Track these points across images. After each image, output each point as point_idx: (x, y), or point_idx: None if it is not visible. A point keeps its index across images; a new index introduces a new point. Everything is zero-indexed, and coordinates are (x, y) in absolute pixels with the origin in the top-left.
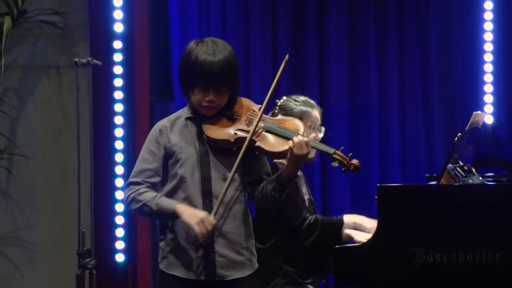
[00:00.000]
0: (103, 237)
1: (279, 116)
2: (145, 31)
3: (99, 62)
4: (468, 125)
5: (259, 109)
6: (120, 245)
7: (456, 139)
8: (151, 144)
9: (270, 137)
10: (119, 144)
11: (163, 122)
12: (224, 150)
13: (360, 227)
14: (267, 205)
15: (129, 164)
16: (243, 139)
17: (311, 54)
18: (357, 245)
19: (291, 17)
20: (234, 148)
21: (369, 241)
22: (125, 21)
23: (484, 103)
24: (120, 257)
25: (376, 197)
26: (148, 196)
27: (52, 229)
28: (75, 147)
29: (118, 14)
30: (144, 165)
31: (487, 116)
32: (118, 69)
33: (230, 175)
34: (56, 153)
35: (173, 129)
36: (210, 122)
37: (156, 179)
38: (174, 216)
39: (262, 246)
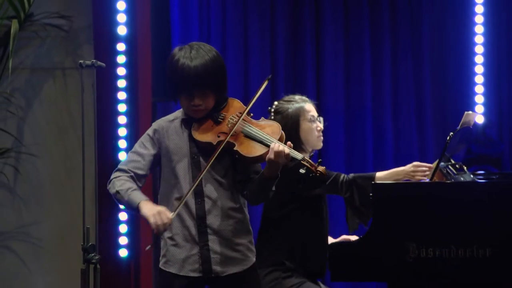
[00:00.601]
0: (107, 232)
1: (262, 120)
2: (148, 33)
3: (103, 64)
4: (460, 125)
5: (244, 110)
6: (123, 240)
7: (448, 138)
8: (146, 139)
9: (249, 142)
10: (122, 143)
11: (161, 122)
12: (208, 152)
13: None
14: (257, 203)
15: None
16: (223, 142)
17: (308, 56)
18: (353, 241)
19: (288, 19)
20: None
21: (364, 236)
22: (128, 24)
23: (475, 104)
24: (123, 252)
25: (371, 194)
26: (125, 186)
27: (58, 225)
28: (80, 146)
29: (121, 18)
30: (135, 157)
31: (478, 116)
32: (121, 71)
33: (199, 175)
34: (61, 152)
35: (169, 130)
36: (198, 124)
37: (142, 172)
38: (137, 209)
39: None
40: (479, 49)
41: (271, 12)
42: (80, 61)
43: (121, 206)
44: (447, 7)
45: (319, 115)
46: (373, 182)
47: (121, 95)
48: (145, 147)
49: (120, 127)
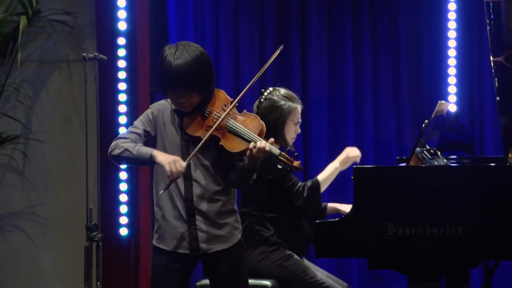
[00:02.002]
0: (108, 213)
1: (244, 114)
2: (146, 29)
3: (105, 57)
4: (434, 113)
5: (230, 103)
6: (123, 220)
7: (423, 125)
8: (145, 119)
9: (233, 137)
10: (122, 130)
11: (158, 107)
12: (197, 145)
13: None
14: (238, 188)
15: None
16: (212, 136)
17: (294, 52)
18: (335, 220)
19: (276, 18)
20: (209, 143)
21: (346, 216)
22: (128, 20)
23: (448, 94)
24: (124, 231)
25: (352, 177)
26: (130, 144)
27: (63, 205)
28: (83, 132)
29: (122, 14)
30: (134, 130)
31: (450, 105)
32: (122, 63)
33: (187, 159)
34: (66, 138)
35: (165, 115)
36: (188, 117)
37: (140, 142)
38: (150, 159)
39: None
40: (451, 43)
41: (260, 11)
42: (84, 54)
43: (122, 166)
44: (422, 5)
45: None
46: (354, 167)
47: (122, 86)
48: (144, 125)
49: (120, 115)
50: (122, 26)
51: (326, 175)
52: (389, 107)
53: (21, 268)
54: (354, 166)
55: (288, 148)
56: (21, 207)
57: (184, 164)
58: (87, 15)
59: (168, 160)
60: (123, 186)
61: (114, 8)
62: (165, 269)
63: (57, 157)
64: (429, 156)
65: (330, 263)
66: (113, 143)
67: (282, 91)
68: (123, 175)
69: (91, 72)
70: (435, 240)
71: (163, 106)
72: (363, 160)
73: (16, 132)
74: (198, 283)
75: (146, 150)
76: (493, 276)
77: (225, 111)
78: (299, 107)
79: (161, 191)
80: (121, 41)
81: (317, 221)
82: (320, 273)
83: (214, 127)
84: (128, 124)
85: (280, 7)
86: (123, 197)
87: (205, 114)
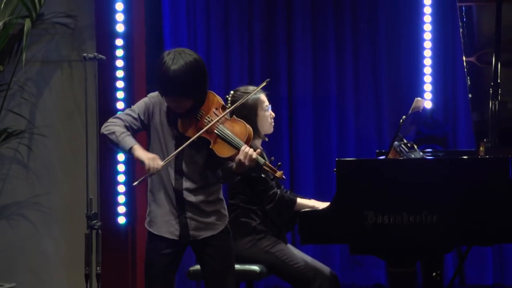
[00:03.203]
0: (107, 202)
1: (233, 120)
2: (142, 30)
3: (104, 57)
4: (411, 109)
5: (222, 107)
6: (121, 209)
7: (401, 120)
8: (142, 106)
9: (222, 143)
10: None
11: (156, 99)
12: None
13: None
14: (223, 182)
15: None
16: (203, 138)
17: (281, 54)
18: (319, 210)
19: (264, 22)
20: (200, 143)
21: (329, 206)
22: (125, 22)
23: (424, 91)
24: (121, 220)
25: (335, 169)
26: (120, 129)
27: (65, 196)
28: (84, 127)
29: (119, 17)
30: (131, 113)
31: (426, 102)
32: (119, 63)
33: (166, 159)
34: (68, 133)
35: (161, 107)
36: (182, 117)
37: (135, 127)
38: (128, 151)
39: (254, 207)
40: (427, 44)
41: (249, 15)
42: (84, 54)
43: (120, 159)
44: (400, 9)
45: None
46: (336, 159)
47: (119, 84)
48: (140, 112)
49: (118, 112)
50: (120, 28)
51: (304, 203)
52: (369, 103)
53: (26, 253)
54: (336, 159)
55: (272, 158)
56: (26, 197)
57: (162, 163)
58: (87, 18)
59: (148, 157)
60: (121, 178)
61: (112, 11)
62: (156, 253)
63: (59, 151)
64: (406, 150)
65: (315, 249)
66: (108, 121)
67: (242, 88)
68: (121, 167)
69: (91, 71)
70: (412, 227)
71: (160, 99)
72: (345, 153)
73: (21, 127)
74: (191, 268)
75: (129, 142)
76: (465, 261)
77: (217, 115)
78: (261, 95)
79: (135, 183)
80: (119, 42)
81: (302, 210)
82: (305, 259)
83: (203, 131)
84: None
85: (267, 12)
86: (121, 188)
87: (198, 117)
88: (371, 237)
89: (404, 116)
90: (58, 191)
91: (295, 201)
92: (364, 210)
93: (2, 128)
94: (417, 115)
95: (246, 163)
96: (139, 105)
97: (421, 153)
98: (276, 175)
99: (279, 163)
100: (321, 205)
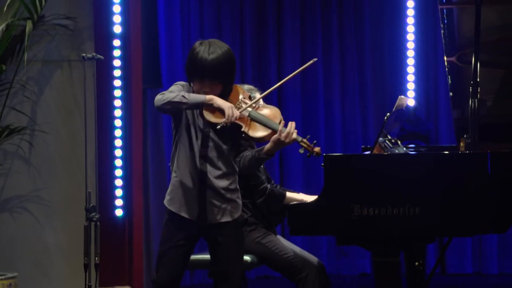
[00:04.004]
0: (105, 196)
1: (263, 105)
2: (139, 32)
3: (102, 57)
4: (395, 107)
5: (249, 97)
6: (119, 202)
7: (385, 118)
8: (178, 85)
9: (255, 125)
10: (117, 122)
11: (184, 85)
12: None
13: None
14: (245, 171)
15: (126, 138)
16: (234, 123)
17: (271, 50)
18: (308, 202)
19: (254, 20)
20: (229, 129)
21: (317, 199)
22: (122, 24)
23: (407, 90)
24: (119, 212)
25: (322, 164)
26: (181, 92)
27: (65, 189)
28: (83, 124)
29: (117, 19)
30: (175, 86)
31: (409, 100)
32: (117, 62)
33: (242, 109)
34: (68, 130)
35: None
36: (209, 106)
37: None
38: (204, 102)
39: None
40: (410, 45)
41: (240, 14)
42: (83, 54)
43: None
44: (384, 11)
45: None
46: (324, 155)
47: (117, 83)
48: (178, 90)
49: (116, 109)
50: (117, 29)
51: (294, 197)
52: (355, 102)
53: (28, 244)
54: (324, 154)
55: (308, 136)
56: (27, 191)
57: (238, 112)
58: (86, 20)
59: (228, 105)
60: (118, 172)
61: (110, 13)
62: (171, 230)
63: (59, 146)
64: (391, 145)
65: (303, 240)
66: (162, 94)
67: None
68: (118, 162)
69: (89, 71)
70: (395, 219)
71: (186, 86)
72: (332, 148)
73: (23, 124)
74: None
75: (199, 95)
76: (446, 251)
77: (244, 103)
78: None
79: (218, 126)
80: (117, 42)
81: (292, 203)
82: (294, 249)
83: (242, 109)
84: (124, 117)
85: (258, 10)
86: (119, 182)
87: None
88: (357, 229)
89: (388, 114)
90: (58, 185)
91: (284, 195)
92: (350, 203)
93: (4, 125)
94: (401, 113)
95: (287, 140)
96: (175, 87)
97: (404, 149)
98: (314, 150)
99: (314, 141)
100: (310, 198)
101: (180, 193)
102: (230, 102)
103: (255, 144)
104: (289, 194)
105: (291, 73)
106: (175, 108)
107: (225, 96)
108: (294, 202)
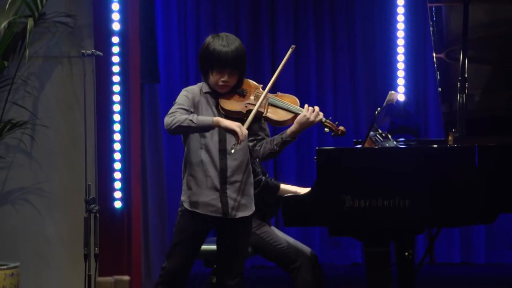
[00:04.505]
0: (104, 188)
1: (279, 93)
2: (137, 29)
3: (101, 53)
4: (385, 102)
5: (262, 88)
6: (117, 194)
7: (376, 112)
8: (186, 98)
9: (275, 109)
10: (116, 117)
11: (191, 90)
12: (235, 119)
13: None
14: (266, 158)
15: (124, 132)
16: (252, 110)
17: (265, 47)
18: (301, 194)
19: (249, 18)
20: (245, 118)
21: (310, 191)
22: (121, 22)
23: (397, 85)
24: (118, 204)
25: (315, 157)
26: (187, 115)
27: (65, 182)
28: (83, 119)
29: (116, 16)
30: (181, 106)
31: (399, 95)
32: (116, 59)
33: (245, 125)
34: (68, 124)
35: (196, 97)
36: (225, 97)
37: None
38: (211, 126)
39: None
40: (400, 41)
41: (235, 12)
42: (83, 51)
43: (117, 148)
44: (375, 10)
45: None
46: (317, 148)
47: (116, 78)
48: (187, 103)
49: (114, 104)
50: (116, 27)
51: (287, 189)
52: (347, 97)
53: (30, 235)
54: (317, 148)
55: (330, 117)
56: (29, 183)
57: (246, 130)
58: (86, 17)
59: (236, 124)
60: (117, 165)
61: (109, 11)
62: (187, 230)
63: (60, 140)
64: (381, 139)
65: (297, 231)
66: (171, 117)
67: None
68: (117, 156)
69: (89, 67)
70: (386, 211)
71: (195, 89)
72: (324, 142)
73: (24, 118)
74: None
75: (206, 117)
76: (435, 241)
77: (259, 93)
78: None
79: (233, 150)
80: (115, 39)
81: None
82: (288, 240)
83: (262, 97)
84: (122, 111)
85: (252, 12)
86: (117, 175)
87: (244, 94)
88: (349, 220)
89: (379, 108)
90: (59, 177)
91: (278, 186)
92: (342, 195)
93: (6, 119)
94: (391, 107)
95: (315, 119)
96: (183, 99)
97: (394, 143)
98: (339, 128)
99: (336, 122)
100: (303, 190)
101: (201, 194)
102: (247, 93)
103: (269, 133)
104: (283, 186)
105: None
106: (184, 132)
107: (238, 86)
108: (288, 194)
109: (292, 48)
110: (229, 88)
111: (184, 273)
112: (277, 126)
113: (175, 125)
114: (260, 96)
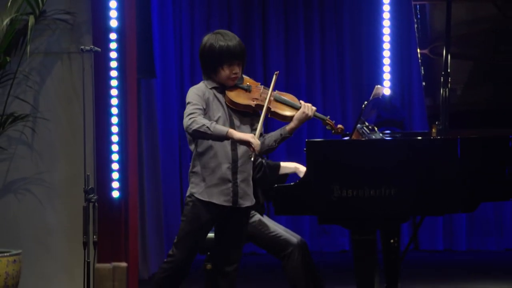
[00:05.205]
0: (103, 178)
1: (277, 91)
2: (133, 26)
3: (99, 49)
4: (372, 96)
5: (261, 85)
6: (115, 184)
7: (363, 106)
8: (198, 97)
9: (281, 105)
10: (114, 110)
11: (200, 87)
12: (242, 113)
13: (296, 170)
14: (263, 154)
15: (122, 124)
16: (261, 106)
17: (257, 47)
18: (291, 184)
19: (241, 17)
20: (251, 112)
21: (300, 181)
22: (118, 18)
23: (383, 79)
24: (115, 194)
25: (305, 149)
26: (205, 121)
27: (65, 172)
28: (82, 112)
29: (113, 14)
30: (197, 106)
31: (385, 89)
32: (113, 54)
33: (259, 122)
34: (68, 117)
35: (205, 94)
36: (232, 91)
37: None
38: (225, 136)
39: None
40: (386, 38)
41: (228, 11)
42: (82, 47)
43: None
44: (362, 8)
45: None
46: (306, 140)
47: (113, 73)
48: (201, 102)
49: (112, 98)
50: (113, 23)
51: (287, 165)
52: (335, 91)
53: (31, 224)
54: (306, 140)
55: (328, 116)
56: (30, 173)
57: (259, 142)
58: (85, 15)
59: (249, 136)
60: (115, 157)
61: (107, 8)
62: (198, 220)
63: (60, 133)
64: (368, 132)
65: (287, 219)
66: (190, 120)
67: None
68: (114, 147)
69: (88, 62)
70: (372, 200)
71: (201, 87)
72: (313, 134)
73: (26, 112)
74: None
75: (222, 128)
76: (419, 229)
77: (266, 89)
78: None
79: (252, 158)
80: (113, 36)
81: (276, 185)
82: (278, 228)
83: (269, 93)
84: (119, 105)
85: (244, 12)
86: (115, 166)
87: (249, 89)
88: (337, 209)
89: (366, 102)
90: (59, 168)
91: (279, 165)
92: (330, 184)
93: (9, 112)
94: (377, 101)
95: (310, 113)
96: (195, 98)
97: (381, 135)
98: (338, 126)
99: (333, 121)
100: (302, 167)
101: (214, 185)
102: (252, 89)
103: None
104: (283, 164)
105: (276, 69)
106: (199, 137)
107: (240, 81)
108: (279, 184)
109: (276, 74)
110: (237, 79)
111: (191, 261)
112: (282, 121)
113: (192, 129)
114: (266, 93)
